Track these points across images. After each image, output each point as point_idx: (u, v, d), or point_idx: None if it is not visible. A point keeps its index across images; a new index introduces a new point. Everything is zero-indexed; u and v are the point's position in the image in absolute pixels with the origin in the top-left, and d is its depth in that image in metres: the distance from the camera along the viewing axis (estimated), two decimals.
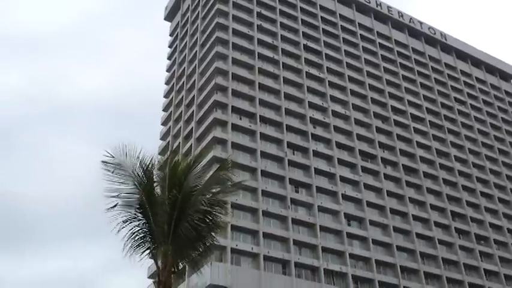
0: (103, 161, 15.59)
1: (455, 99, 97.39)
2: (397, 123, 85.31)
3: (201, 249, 16.88)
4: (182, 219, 15.56)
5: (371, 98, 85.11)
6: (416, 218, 75.67)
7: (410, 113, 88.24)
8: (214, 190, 16.75)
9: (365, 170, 75.96)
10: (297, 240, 63.52)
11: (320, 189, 69.73)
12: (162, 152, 78.01)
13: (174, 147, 73.80)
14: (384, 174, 77.27)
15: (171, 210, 15.54)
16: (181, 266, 17.04)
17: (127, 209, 15.90)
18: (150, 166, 15.95)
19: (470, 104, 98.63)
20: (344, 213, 69.26)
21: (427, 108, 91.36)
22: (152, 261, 16.76)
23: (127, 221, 15.89)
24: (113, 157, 15.60)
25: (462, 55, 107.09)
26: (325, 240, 65.48)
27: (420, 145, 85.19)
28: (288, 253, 61.74)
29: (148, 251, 16.19)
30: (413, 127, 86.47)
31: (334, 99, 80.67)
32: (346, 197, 71.29)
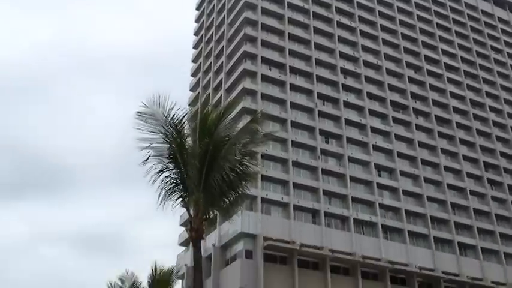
0: (138, 112, 15.84)
1: (492, 47, 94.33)
2: (430, 73, 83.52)
3: (231, 198, 17.25)
4: (213, 169, 15.86)
5: (404, 47, 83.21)
6: (448, 168, 75.09)
7: (444, 63, 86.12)
8: (244, 141, 16.95)
9: (396, 120, 75.19)
10: (327, 191, 64.01)
11: (350, 140, 69.55)
12: (192, 103, 78.54)
13: (203, 99, 74.10)
14: (416, 124, 76.40)
15: (202, 160, 15.83)
16: (212, 214, 17.48)
17: (159, 158, 16.27)
18: (181, 117, 16.18)
19: (508, 53, 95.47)
20: (374, 163, 69.19)
21: (461, 57, 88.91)
22: (184, 209, 17.23)
23: (160, 171, 16.28)
24: (147, 107, 15.82)
25: (500, 1, 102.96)
26: (355, 191, 65.83)
27: (454, 95, 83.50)
28: (318, 203, 62.38)
29: (180, 200, 16.64)
30: (447, 77, 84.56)
31: (365, 48, 79.20)
32: (376, 148, 71.02)
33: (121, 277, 30.36)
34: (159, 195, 16.24)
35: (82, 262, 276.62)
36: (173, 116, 15.95)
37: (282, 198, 60.76)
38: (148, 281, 29.60)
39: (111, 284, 30.76)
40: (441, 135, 77.85)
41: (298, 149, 65.44)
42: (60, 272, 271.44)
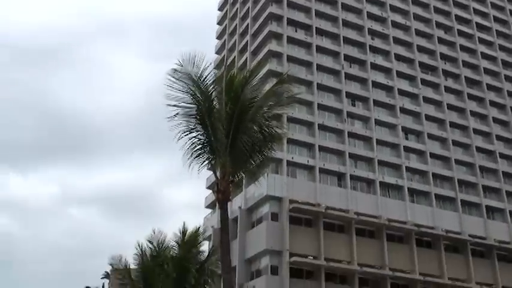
0: (173, 69, 15.81)
1: None
2: (461, 33, 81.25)
3: (258, 161, 17.30)
4: (239, 131, 15.87)
5: (433, 6, 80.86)
6: (477, 131, 73.82)
7: (476, 22, 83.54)
8: (270, 103, 16.87)
9: (425, 82, 73.82)
10: (353, 154, 63.74)
11: (377, 103, 68.71)
12: (217, 66, 78.18)
13: (229, 61, 73.66)
14: (445, 86, 74.92)
15: (228, 122, 15.84)
16: (238, 177, 17.57)
17: (187, 119, 16.34)
18: (210, 78, 16.15)
19: None
20: (401, 126, 68.43)
21: (494, 16, 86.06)
22: (211, 172, 17.35)
23: (187, 132, 16.36)
24: (181, 65, 15.78)
25: None
26: (381, 154, 65.41)
27: (485, 56, 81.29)
28: (344, 166, 62.26)
29: (207, 162, 16.74)
30: (478, 37, 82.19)
31: (393, 8, 77.27)
32: (404, 111, 70.08)
33: (149, 237, 30.93)
34: (186, 157, 16.35)
35: (111, 224, 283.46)
36: (205, 77, 15.95)
37: (308, 161, 60.78)
38: (176, 242, 30.14)
39: (139, 244, 31.38)
40: (471, 97, 76.28)
41: (324, 111, 64.99)
42: (90, 233, 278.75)
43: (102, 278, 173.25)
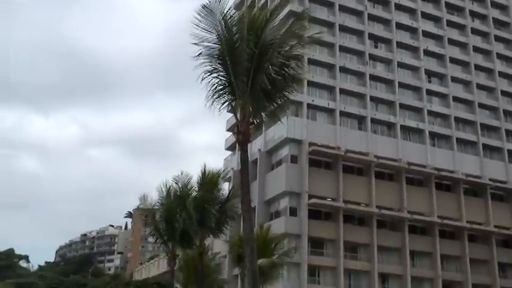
0: (202, 5, 15.58)
1: None
2: None
3: (278, 102, 17.22)
4: (260, 71, 15.72)
5: None
6: (502, 74, 72.14)
7: None
8: (291, 43, 16.61)
9: (450, 23, 71.73)
10: (374, 97, 63.09)
11: (400, 45, 67.24)
12: (237, 7, 76.62)
13: (249, 2, 72.16)
14: (471, 28, 72.75)
15: (249, 63, 15.68)
16: (258, 119, 17.54)
17: (209, 60, 16.21)
18: (232, 18, 15.90)
19: None
20: (425, 69, 67.19)
21: None
22: (231, 115, 17.35)
23: (209, 72, 16.26)
24: (206, 4, 15.55)
25: None
26: (403, 97, 64.62)
27: None
28: (365, 109, 61.79)
29: (227, 103, 16.72)
30: None
31: None
32: (427, 53, 68.58)
33: (176, 178, 31.40)
34: (207, 99, 16.33)
35: (131, 165, 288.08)
36: (230, 16, 15.72)
37: (328, 104, 60.41)
38: (197, 183, 30.56)
39: (165, 184, 31.90)
40: (498, 39, 74.08)
41: (345, 54, 63.92)
42: (111, 174, 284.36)
43: (125, 217, 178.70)
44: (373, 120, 61.75)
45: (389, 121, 62.74)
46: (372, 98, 62.81)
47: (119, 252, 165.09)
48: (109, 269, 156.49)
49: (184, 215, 29.31)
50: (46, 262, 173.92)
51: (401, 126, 62.81)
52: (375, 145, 60.03)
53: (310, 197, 54.73)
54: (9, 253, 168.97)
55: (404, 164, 60.08)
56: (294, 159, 56.90)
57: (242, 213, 17.03)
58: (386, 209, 57.80)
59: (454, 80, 68.73)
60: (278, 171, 57.67)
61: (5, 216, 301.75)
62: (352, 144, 58.78)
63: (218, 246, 55.83)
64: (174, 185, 31.57)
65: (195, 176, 30.86)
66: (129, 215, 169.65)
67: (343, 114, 60.71)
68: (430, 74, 67.98)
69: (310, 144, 56.61)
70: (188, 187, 31.26)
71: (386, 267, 56.94)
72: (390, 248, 58.04)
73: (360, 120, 61.80)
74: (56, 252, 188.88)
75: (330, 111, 60.49)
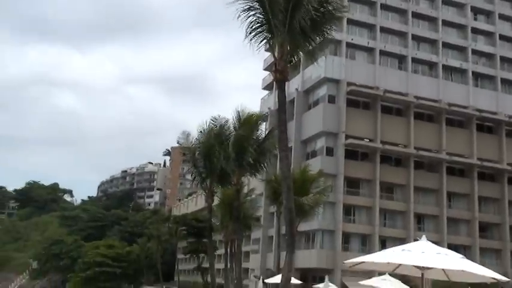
0: None
1: None
2: None
3: (316, 41, 16.89)
4: (298, 9, 15.34)
5: None
6: None
7: None
8: None
9: None
10: (416, 35, 61.13)
11: None
12: None
13: None
14: None
15: (286, 0, 15.30)
16: (296, 57, 17.30)
17: None
18: None
19: None
20: (471, 6, 64.33)
21: None
22: (268, 54, 17.16)
23: (246, 10, 15.97)
24: None
25: None
26: (446, 35, 62.38)
27: None
28: (406, 48, 60.10)
29: (265, 41, 16.48)
30: None
31: None
32: None
33: (214, 117, 31.69)
34: (245, 36, 16.11)
35: (168, 103, 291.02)
36: None
37: (368, 42, 58.93)
38: (235, 122, 30.75)
39: (204, 122, 32.22)
40: None
41: None
42: (148, 112, 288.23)
43: (163, 155, 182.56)
44: (414, 60, 60.15)
45: (431, 60, 61.00)
46: (414, 37, 60.94)
47: (158, 189, 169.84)
48: (149, 205, 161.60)
49: (223, 154, 29.68)
50: (89, 197, 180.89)
51: (444, 66, 61.06)
52: (415, 85, 58.72)
53: (347, 137, 54.50)
54: (54, 187, 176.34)
55: (445, 105, 58.80)
56: (331, 99, 56.35)
57: (279, 153, 17.17)
58: (424, 150, 57.19)
59: (502, 17, 65.73)
60: (315, 111, 57.34)
61: (50, 152, 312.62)
62: (392, 84, 57.63)
63: (255, 184, 56.74)
64: (213, 124, 31.87)
65: (232, 115, 31.03)
66: (168, 152, 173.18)
67: (383, 53, 59.26)
68: (476, 11, 65.14)
69: (349, 84, 55.80)
70: (226, 126, 31.52)
71: (422, 207, 56.95)
72: (427, 189, 57.84)
73: (401, 59, 60.27)
74: (98, 187, 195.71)
75: (369, 50, 59.10)
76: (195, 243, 72.20)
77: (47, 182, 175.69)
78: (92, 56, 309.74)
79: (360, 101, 57.33)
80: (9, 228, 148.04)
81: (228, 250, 42.53)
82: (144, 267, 76.45)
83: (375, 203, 54.54)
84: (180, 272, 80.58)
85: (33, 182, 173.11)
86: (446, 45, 62.06)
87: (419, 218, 57.28)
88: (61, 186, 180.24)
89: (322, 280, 33.11)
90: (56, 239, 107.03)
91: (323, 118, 55.18)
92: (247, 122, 30.38)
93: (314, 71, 56.82)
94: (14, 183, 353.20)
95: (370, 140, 55.96)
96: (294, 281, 25.03)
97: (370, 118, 56.37)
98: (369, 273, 29.15)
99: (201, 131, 32.52)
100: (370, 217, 54.73)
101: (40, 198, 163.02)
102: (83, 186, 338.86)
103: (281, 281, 15.58)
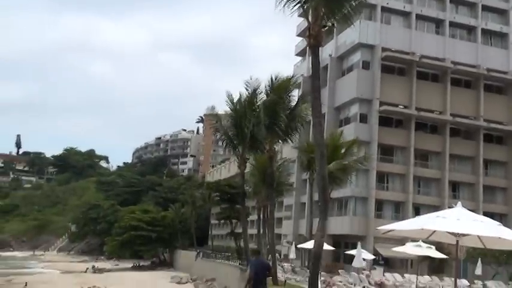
0: None
1: None
2: None
3: (351, 5, 16.52)
4: None
5: None
6: None
7: None
8: None
9: None
10: None
11: None
12: None
13: None
14: None
15: None
16: (330, 22, 16.98)
17: None
18: None
19: None
20: None
21: None
22: (301, 19, 16.88)
23: None
24: None
25: None
26: None
27: None
28: (443, 12, 58.35)
29: (298, 6, 16.19)
30: None
31: None
32: None
33: (246, 83, 31.50)
34: (278, 1, 15.86)
35: (200, 70, 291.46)
36: None
37: (404, 6, 57.39)
38: (267, 88, 30.55)
39: (235, 89, 32.25)
40: None
41: None
42: (181, 79, 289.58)
43: (196, 122, 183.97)
44: (451, 24, 58.42)
45: (470, 24, 59.14)
46: (452, 0, 59.02)
47: (191, 156, 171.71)
48: (182, 171, 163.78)
49: (254, 120, 29.63)
50: (124, 163, 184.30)
51: (483, 30, 59.18)
52: (452, 50, 57.16)
53: (382, 103, 53.74)
54: (91, 154, 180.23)
55: (483, 71, 57.20)
56: (365, 65, 55.43)
57: (312, 119, 17.04)
58: (461, 116, 56.04)
59: None
60: (349, 77, 56.57)
61: (86, 118, 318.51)
62: (428, 50, 56.21)
63: (287, 151, 56.78)
64: (244, 90, 31.73)
65: (264, 82, 30.85)
66: (201, 120, 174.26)
67: (419, 17, 57.70)
68: None
69: (383, 49, 54.68)
70: (257, 92, 31.35)
71: (458, 175, 56.14)
72: (463, 157, 56.89)
73: (438, 23, 58.61)
74: (133, 154, 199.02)
75: (405, 15, 57.59)
76: (228, 209, 73.05)
77: (83, 148, 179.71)
78: (125, 23, 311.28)
79: (395, 66, 56.24)
80: (49, 193, 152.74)
81: (261, 216, 42.98)
82: (179, 232, 77.89)
83: (409, 170, 54.01)
84: (213, 237, 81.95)
85: (71, 148, 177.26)
86: (486, 8, 60.01)
87: (455, 186, 56.55)
88: (97, 152, 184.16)
89: (354, 247, 33.28)
90: (93, 203, 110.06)
91: (357, 84, 54.44)
92: (280, 88, 30.15)
93: (348, 37, 55.84)
94: (52, 149, 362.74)
95: (405, 107, 55.07)
96: (327, 247, 25.23)
97: (405, 84, 55.34)
98: (402, 240, 29.07)
99: (231, 98, 32.47)
100: (404, 184, 54.30)
101: (77, 164, 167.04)
102: (118, 153, 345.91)
103: (313, 246, 15.66)
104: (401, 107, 55.12)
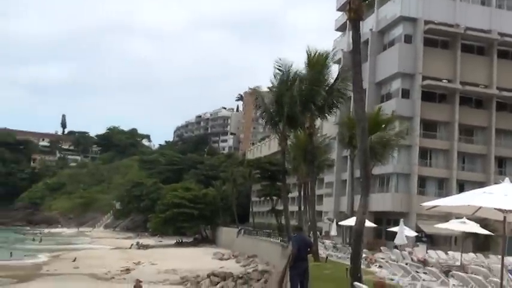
0: None
1: None
2: None
3: None
4: None
5: None
6: None
7: None
8: None
9: None
10: None
11: None
12: None
13: None
14: None
15: None
16: None
17: None
18: None
19: None
20: None
21: None
22: None
23: None
24: None
25: None
26: None
27: None
28: None
29: None
30: None
31: None
32: None
33: (284, 60, 31.30)
34: None
35: (239, 48, 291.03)
36: None
37: None
38: (306, 64, 30.20)
39: (274, 66, 31.97)
40: None
41: None
42: (220, 56, 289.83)
43: (236, 100, 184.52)
44: None
45: None
46: None
47: (231, 133, 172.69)
48: (223, 149, 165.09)
49: (293, 97, 29.40)
50: (166, 141, 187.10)
51: None
52: (499, 21, 55.03)
53: (424, 78, 52.43)
54: (133, 132, 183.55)
55: None
56: (407, 38, 54.05)
57: (353, 94, 16.76)
58: (508, 90, 54.19)
59: None
60: (390, 51, 55.36)
61: (127, 98, 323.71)
62: (473, 21, 54.25)
63: (327, 128, 56.41)
64: (283, 67, 31.48)
65: (303, 58, 30.51)
66: (240, 97, 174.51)
67: None
68: None
69: (426, 22, 53.12)
70: (296, 69, 31.06)
71: (504, 150, 54.56)
72: (510, 131, 55.15)
73: None
74: (174, 132, 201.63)
75: None
76: (269, 186, 73.40)
77: (126, 128, 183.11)
78: (165, 2, 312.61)
79: (438, 40, 54.66)
80: (93, 171, 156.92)
81: (302, 193, 43.04)
82: (220, 209, 78.91)
83: (453, 145, 52.81)
84: (254, 214, 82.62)
85: (114, 127, 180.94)
86: None
87: (501, 161, 55.03)
88: (139, 131, 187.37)
89: (396, 223, 32.95)
90: (136, 181, 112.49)
91: (399, 59, 53.22)
92: (318, 63, 29.75)
93: (389, 10, 54.57)
94: (96, 128, 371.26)
95: (449, 81, 53.62)
96: (368, 223, 25.04)
97: (449, 58, 53.79)
98: (446, 217, 28.65)
99: (271, 75, 32.30)
100: (448, 160, 53.18)
101: (120, 143, 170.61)
102: (159, 131, 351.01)
103: (355, 223, 15.54)
104: (445, 81, 53.70)
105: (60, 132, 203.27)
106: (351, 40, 16.38)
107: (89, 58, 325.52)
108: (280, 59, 30.89)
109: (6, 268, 45.56)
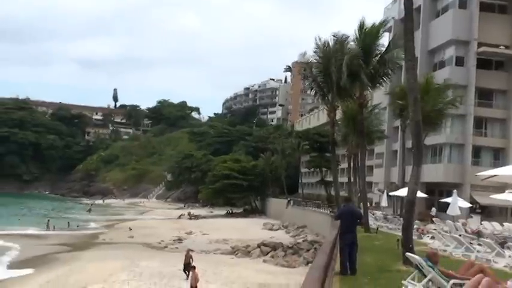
0: None
1: None
2: None
3: None
4: None
5: None
6: None
7: None
8: None
9: None
10: None
11: None
12: None
13: None
14: None
15: None
16: None
17: None
18: None
19: None
20: None
21: None
22: None
23: None
24: None
25: None
26: None
27: None
28: None
29: None
30: None
31: None
32: None
33: (334, 32, 30.97)
34: None
35: (287, 18, 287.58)
36: None
37: None
38: (356, 36, 29.64)
39: (323, 37, 31.65)
40: None
41: None
42: (267, 28, 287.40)
43: (284, 71, 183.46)
44: None
45: None
46: None
47: (280, 105, 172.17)
48: (271, 120, 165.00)
49: (344, 66, 28.97)
50: (214, 113, 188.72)
51: None
52: None
53: (480, 45, 50.37)
54: (183, 105, 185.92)
55: None
56: (462, 4, 51.92)
57: (405, 63, 16.36)
58: None
59: None
60: (444, 18, 53.39)
61: (176, 71, 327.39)
62: None
63: (378, 98, 55.33)
64: (332, 37, 31.08)
65: (353, 28, 29.98)
66: (288, 68, 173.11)
67: None
68: None
69: None
70: (346, 38, 30.59)
71: None
72: None
73: None
74: (223, 104, 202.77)
75: None
76: (318, 158, 73.15)
77: (175, 100, 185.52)
78: None
79: (495, 4, 52.22)
80: (145, 143, 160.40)
81: (352, 164, 42.68)
82: (269, 180, 79.33)
83: (510, 115, 50.86)
84: (303, 185, 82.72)
85: (164, 100, 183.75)
86: None
87: None
88: (188, 104, 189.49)
89: (449, 194, 32.31)
90: (186, 153, 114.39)
91: (453, 25, 51.29)
92: (370, 33, 29.15)
93: None
94: (146, 102, 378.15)
95: (507, 47, 51.34)
96: (420, 194, 24.64)
97: (507, 23, 51.39)
98: (501, 188, 27.79)
99: (319, 46, 31.90)
100: (504, 130, 51.30)
101: (170, 116, 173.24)
102: (208, 104, 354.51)
103: (407, 193, 15.31)
104: (502, 47, 51.44)
105: (112, 106, 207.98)
106: (402, 7, 15.87)
107: (138, 33, 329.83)
108: (336, 33, 30.51)
109: (64, 237, 47.63)
